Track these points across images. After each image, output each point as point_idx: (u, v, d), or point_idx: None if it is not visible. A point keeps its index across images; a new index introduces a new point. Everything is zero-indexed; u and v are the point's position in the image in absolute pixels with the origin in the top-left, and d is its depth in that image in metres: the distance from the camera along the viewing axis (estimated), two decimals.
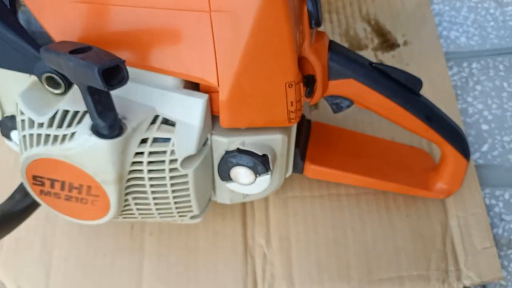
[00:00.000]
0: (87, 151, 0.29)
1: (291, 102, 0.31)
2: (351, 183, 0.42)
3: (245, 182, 0.35)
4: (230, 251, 0.42)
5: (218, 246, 0.42)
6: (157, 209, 0.35)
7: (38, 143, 0.31)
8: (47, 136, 0.30)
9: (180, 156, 0.31)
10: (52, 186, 0.32)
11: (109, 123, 0.28)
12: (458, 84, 0.50)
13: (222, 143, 0.34)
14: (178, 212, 0.36)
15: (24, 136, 0.31)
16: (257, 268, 0.42)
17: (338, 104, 0.36)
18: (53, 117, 0.30)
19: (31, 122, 0.31)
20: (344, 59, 0.34)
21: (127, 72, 0.25)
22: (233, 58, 0.29)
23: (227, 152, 0.34)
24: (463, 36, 0.53)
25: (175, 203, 0.34)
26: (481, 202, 0.43)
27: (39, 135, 0.31)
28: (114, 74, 0.25)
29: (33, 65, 0.30)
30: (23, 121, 0.31)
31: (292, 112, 0.32)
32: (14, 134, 0.38)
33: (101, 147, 0.29)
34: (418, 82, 0.35)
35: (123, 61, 0.25)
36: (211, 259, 0.42)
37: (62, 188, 0.32)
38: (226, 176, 0.36)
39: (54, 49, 0.26)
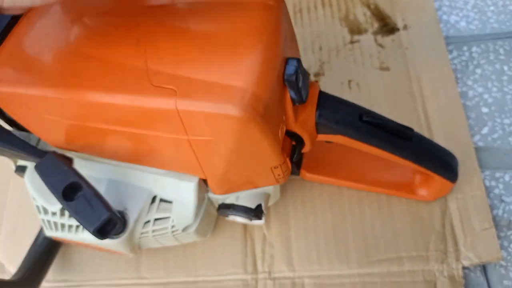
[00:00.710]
0: (100, 243, 0.33)
1: (278, 174, 0.33)
2: (343, 186, 0.43)
3: (241, 222, 0.38)
4: (229, 233, 0.43)
5: (217, 227, 0.42)
6: (162, 244, 0.39)
7: (56, 229, 0.34)
8: (62, 224, 0.34)
9: (180, 227, 0.35)
10: (78, 244, 0.37)
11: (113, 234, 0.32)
12: (458, 67, 0.49)
13: (218, 199, 0.36)
14: (183, 242, 0.39)
15: (43, 220, 0.35)
16: (257, 249, 0.42)
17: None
18: (63, 208, 0.32)
19: (45, 210, 0.34)
20: (333, 116, 0.32)
21: (120, 220, 0.29)
22: (216, 165, 0.30)
23: (223, 205, 0.37)
24: (463, 20, 0.52)
25: (180, 241, 0.38)
26: (481, 184, 0.43)
27: (55, 223, 0.34)
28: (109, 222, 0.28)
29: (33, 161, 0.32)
30: (37, 206, 0.34)
31: (280, 178, 0.33)
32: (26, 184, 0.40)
33: (112, 242, 0.33)
34: (410, 130, 0.35)
35: (113, 212, 0.28)
36: (209, 240, 0.42)
37: (87, 246, 0.37)
38: (224, 216, 0.38)
39: (46, 175, 0.29)
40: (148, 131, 0.28)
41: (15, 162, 0.39)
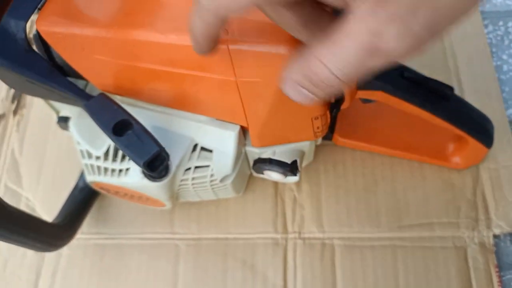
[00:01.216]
0: (141, 187, 0.34)
1: (317, 127, 0.33)
2: (376, 152, 0.43)
3: (275, 179, 0.39)
4: (260, 194, 0.43)
5: (248, 188, 0.43)
6: (200, 196, 0.39)
7: (99, 173, 0.35)
8: (106, 168, 0.34)
9: (218, 176, 0.35)
10: (116, 193, 0.38)
11: (158, 173, 0.32)
12: (493, 42, 0.49)
13: (255, 153, 0.37)
14: (219, 196, 0.40)
15: (86, 164, 0.35)
16: (287, 210, 0.42)
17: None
18: (107, 152, 0.34)
19: (89, 154, 0.35)
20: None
21: (167, 156, 0.29)
22: (260, 111, 0.31)
23: (259, 160, 0.37)
24: None
25: (216, 194, 0.39)
26: None
27: (98, 167, 0.35)
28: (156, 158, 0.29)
29: (80, 104, 0.32)
30: (81, 151, 0.35)
31: (318, 132, 0.33)
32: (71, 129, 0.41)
33: (153, 186, 0.33)
34: (450, 89, 0.34)
35: (163, 148, 0.28)
36: (241, 200, 0.43)
37: (125, 194, 0.37)
38: (259, 173, 0.39)
39: (96, 113, 0.29)
40: (197, 72, 0.29)
41: (57, 113, 0.40)
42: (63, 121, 0.39)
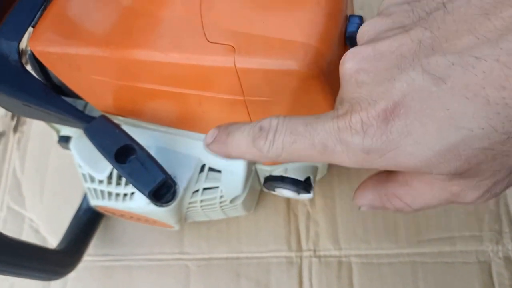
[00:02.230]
0: (147, 212, 0.32)
1: None
2: None
3: (288, 196, 0.37)
4: (271, 210, 0.41)
5: (259, 204, 0.41)
6: (209, 217, 0.37)
7: (102, 197, 0.33)
8: (109, 193, 0.33)
9: (228, 197, 0.33)
10: (122, 215, 0.36)
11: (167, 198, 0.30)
12: None
13: (266, 170, 0.35)
14: (229, 215, 0.38)
15: (89, 188, 0.34)
16: (301, 226, 0.41)
17: None
18: (110, 175, 0.32)
19: (92, 178, 0.33)
20: None
21: (174, 183, 0.27)
22: None
23: (270, 177, 0.35)
24: None
25: (226, 214, 0.37)
26: None
27: (102, 191, 0.33)
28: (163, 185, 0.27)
29: (80, 126, 0.31)
30: (83, 174, 0.33)
31: None
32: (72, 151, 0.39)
33: (159, 211, 0.31)
34: None
35: (169, 176, 0.26)
36: (252, 216, 0.41)
37: (131, 217, 0.36)
38: (270, 190, 0.37)
39: (97, 137, 0.28)
40: (202, 91, 0.27)
41: (58, 133, 0.38)
42: (64, 140, 0.37)
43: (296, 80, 0.24)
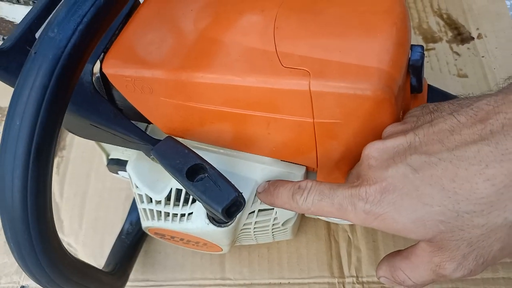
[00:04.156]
0: (204, 233, 0.32)
1: None
2: None
3: (331, 220, 0.38)
4: (312, 235, 0.42)
5: (300, 231, 0.42)
6: (256, 241, 0.38)
7: (158, 218, 0.33)
8: (166, 213, 0.33)
9: (281, 220, 0.34)
10: (171, 238, 0.36)
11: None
12: None
13: None
14: (276, 239, 0.39)
15: (144, 209, 0.34)
16: (342, 252, 0.41)
17: None
18: (169, 196, 0.33)
19: (149, 198, 0.33)
20: None
21: (244, 201, 0.28)
22: (333, 152, 0.29)
23: None
24: None
25: (274, 238, 0.38)
26: None
27: (158, 212, 0.33)
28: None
29: (144, 147, 0.32)
30: (140, 195, 0.34)
31: None
32: (121, 173, 0.40)
33: (217, 231, 0.32)
34: None
35: (240, 194, 0.27)
36: (293, 242, 0.41)
37: (181, 240, 0.36)
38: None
39: (166, 157, 0.28)
40: (272, 114, 0.28)
41: (107, 155, 0.39)
42: (114, 163, 0.38)
43: (369, 102, 0.25)
